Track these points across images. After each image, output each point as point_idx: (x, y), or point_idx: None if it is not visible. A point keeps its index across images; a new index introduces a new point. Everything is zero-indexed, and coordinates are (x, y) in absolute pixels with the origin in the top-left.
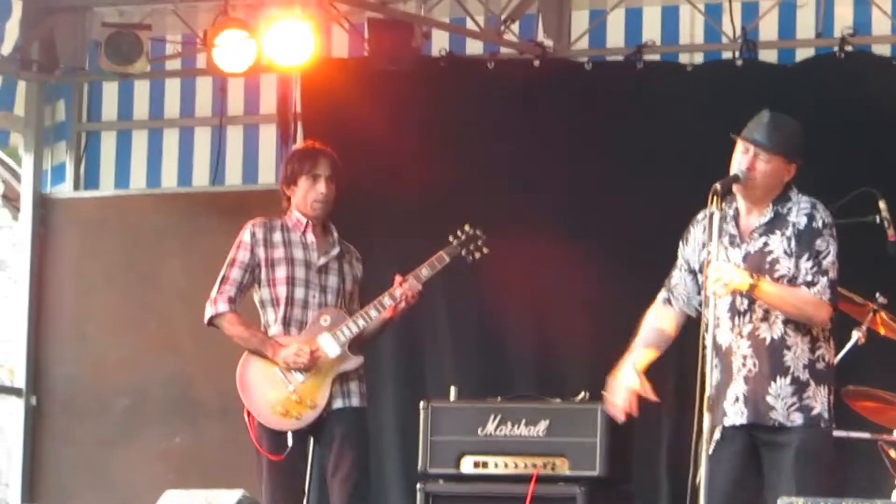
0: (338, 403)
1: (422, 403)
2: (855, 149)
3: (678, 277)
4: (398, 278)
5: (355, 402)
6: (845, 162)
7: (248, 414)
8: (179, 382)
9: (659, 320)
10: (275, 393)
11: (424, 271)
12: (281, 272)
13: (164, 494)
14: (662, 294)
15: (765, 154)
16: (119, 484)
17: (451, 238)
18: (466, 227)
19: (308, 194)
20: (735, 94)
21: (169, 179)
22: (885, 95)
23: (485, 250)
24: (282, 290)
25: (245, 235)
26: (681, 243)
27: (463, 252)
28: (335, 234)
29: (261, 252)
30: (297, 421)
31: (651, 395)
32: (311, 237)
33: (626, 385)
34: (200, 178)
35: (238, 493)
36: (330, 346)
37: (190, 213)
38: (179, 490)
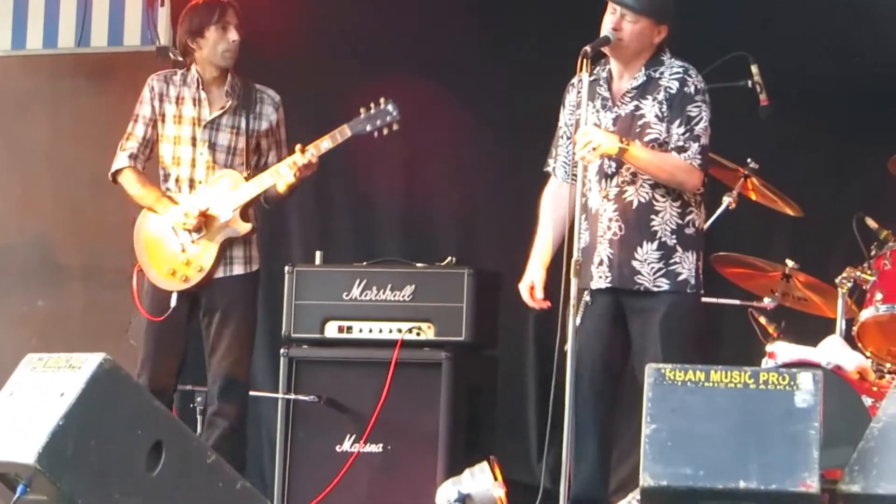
0: (219, 272)
1: (286, 267)
2: (728, 12)
3: (561, 143)
4: (298, 147)
5: (237, 269)
6: (718, 25)
7: (138, 270)
8: (42, 246)
9: (555, 205)
10: (166, 252)
11: (325, 143)
12: (170, 129)
13: (26, 358)
14: (550, 163)
15: (631, 15)
16: None
17: (361, 109)
18: (381, 101)
19: (218, 44)
20: None
21: (34, 40)
22: None
23: (394, 127)
24: (169, 148)
25: (145, 89)
26: (561, 108)
27: (368, 127)
28: (238, 85)
29: (157, 106)
30: (183, 283)
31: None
32: (204, 93)
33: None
34: (66, 39)
35: (100, 357)
36: (221, 209)
37: (55, 74)
38: (41, 354)
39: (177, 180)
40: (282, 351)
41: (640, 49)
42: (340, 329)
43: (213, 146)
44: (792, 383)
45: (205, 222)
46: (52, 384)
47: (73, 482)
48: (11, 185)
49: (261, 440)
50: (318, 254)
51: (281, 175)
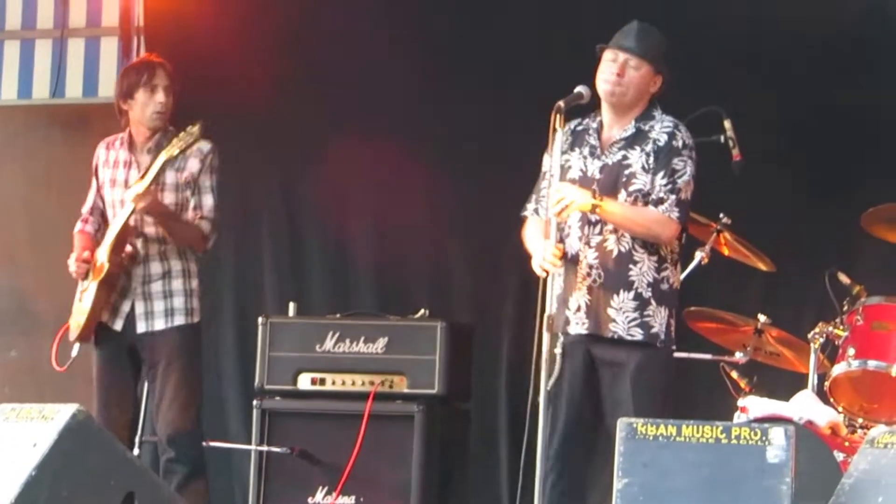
0: (160, 325)
1: (260, 319)
2: (703, 69)
3: (543, 186)
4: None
5: (178, 320)
6: (693, 82)
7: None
8: (16, 295)
9: (539, 233)
10: (77, 301)
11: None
12: (107, 194)
13: None
14: (530, 206)
15: (635, 60)
16: None
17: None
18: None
19: (147, 106)
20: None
21: (9, 91)
22: (732, 15)
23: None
24: (110, 212)
25: (94, 157)
26: (546, 155)
27: (176, 151)
28: (158, 139)
29: (100, 174)
30: (76, 331)
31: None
32: (135, 156)
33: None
34: (41, 90)
35: (73, 407)
36: (101, 252)
37: (30, 125)
38: (13, 404)
39: None
40: (255, 402)
41: (638, 98)
42: (313, 381)
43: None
44: (764, 438)
45: (92, 268)
46: (24, 434)
47: None
48: None
49: (233, 492)
50: (291, 305)
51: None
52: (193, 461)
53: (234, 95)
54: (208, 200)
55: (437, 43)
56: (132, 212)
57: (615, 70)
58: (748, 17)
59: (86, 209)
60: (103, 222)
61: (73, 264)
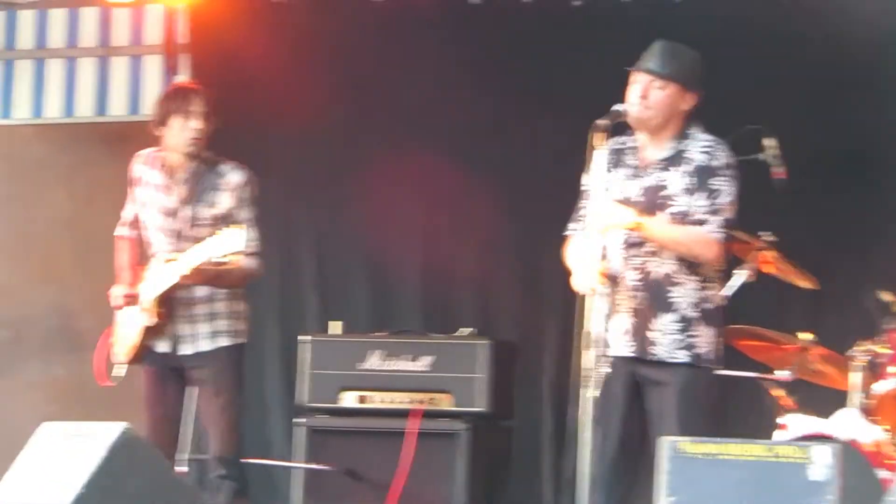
0: (205, 345)
1: (302, 337)
2: (741, 83)
3: (585, 205)
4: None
5: (224, 341)
6: (734, 99)
7: (107, 335)
8: (60, 313)
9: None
10: (122, 325)
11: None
12: (143, 213)
13: (41, 426)
14: (573, 224)
15: (659, 81)
16: None
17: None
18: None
19: (182, 132)
20: (623, 29)
21: (53, 109)
22: (773, 29)
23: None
24: (144, 232)
25: (130, 170)
26: (585, 173)
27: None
28: (200, 170)
29: (137, 189)
30: (118, 355)
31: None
32: (171, 179)
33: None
34: (84, 108)
35: (121, 426)
36: (145, 293)
37: (73, 143)
38: (59, 422)
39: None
40: (298, 420)
41: (668, 118)
42: (358, 399)
43: (172, 232)
44: (807, 456)
45: (134, 302)
46: (72, 452)
47: None
48: (30, 253)
49: None
50: (335, 324)
51: (177, 275)
52: (242, 479)
53: (278, 112)
54: (251, 234)
55: (487, 62)
56: (176, 281)
57: (639, 93)
58: (795, 33)
59: (127, 215)
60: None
61: (118, 298)
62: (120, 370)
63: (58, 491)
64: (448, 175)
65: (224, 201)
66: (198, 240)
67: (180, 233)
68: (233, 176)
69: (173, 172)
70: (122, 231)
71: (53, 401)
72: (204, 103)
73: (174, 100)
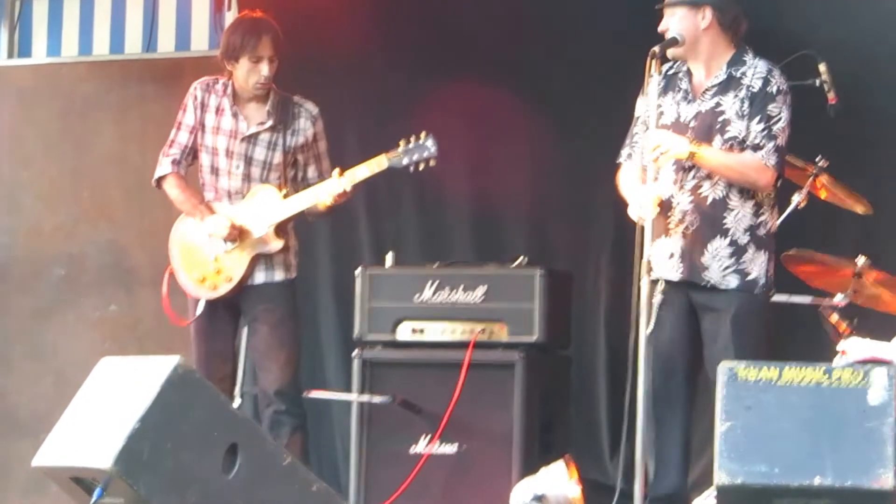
0: (259, 278)
1: (358, 270)
2: (795, 11)
3: (638, 131)
4: (337, 172)
5: (278, 276)
6: (785, 23)
7: (169, 273)
8: (114, 250)
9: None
10: (198, 259)
11: (360, 172)
12: (209, 139)
13: (101, 362)
14: (625, 151)
15: (667, 10)
16: (56, 353)
17: (401, 142)
18: (421, 135)
19: (250, 76)
20: None
21: (101, 47)
22: None
23: (431, 163)
24: (206, 159)
25: (188, 97)
26: (639, 98)
27: (405, 161)
28: (275, 101)
29: (199, 115)
30: (211, 291)
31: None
32: (242, 108)
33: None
34: (133, 45)
35: (175, 360)
36: (256, 224)
37: (123, 80)
38: (117, 357)
39: (215, 190)
40: (354, 353)
41: (695, 39)
42: (413, 331)
43: (249, 160)
44: (865, 380)
45: (238, 234)
46: (127, 388)
47: (149, 485)
48: (81, 190)
49: (334, 442)
50: (388, 255)
51: (319, 199)
52: (301, 414)
53: (325, 43)
54: (328, 166)
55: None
56: (331, 205)
57: (661, 29)
58: None
59: (176, 151)
60: (192, 162)
61: (223, 229)
62: (199, 307)
63: (113, 427)
64: (498, 104)
65: (306, 129)
66: (271, 165)
67: (254, 159)
68: (310, 106)
69: (246, 101)
70: (170, 168)
71: (107, 337)
72: (273, 46)
73: (245, 37)
